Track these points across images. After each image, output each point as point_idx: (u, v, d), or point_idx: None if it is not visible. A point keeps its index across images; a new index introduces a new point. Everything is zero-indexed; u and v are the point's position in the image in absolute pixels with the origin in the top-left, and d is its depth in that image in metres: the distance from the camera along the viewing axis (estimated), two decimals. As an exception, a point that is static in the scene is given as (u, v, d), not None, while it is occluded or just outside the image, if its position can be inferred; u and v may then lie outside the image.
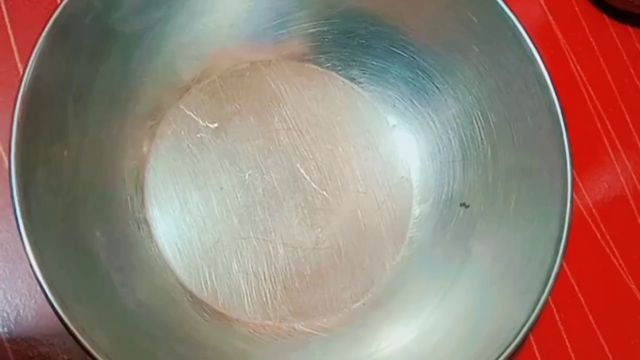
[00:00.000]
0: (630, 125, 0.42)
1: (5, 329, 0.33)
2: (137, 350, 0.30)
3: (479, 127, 0.36)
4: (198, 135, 0.37)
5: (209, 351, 0.33)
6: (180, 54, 0.36)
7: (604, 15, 0.44)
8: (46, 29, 0.30)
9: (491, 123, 0.36)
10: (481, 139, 0.36)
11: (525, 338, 0.33)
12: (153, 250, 0.35)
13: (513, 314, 0.33)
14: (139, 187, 0.35)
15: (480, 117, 0.36)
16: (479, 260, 0.35)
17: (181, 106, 0.37)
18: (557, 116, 0.34)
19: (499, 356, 0.31)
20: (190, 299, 0.35)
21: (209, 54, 0.37)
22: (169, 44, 0.35)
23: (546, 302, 0.32)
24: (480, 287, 0.35)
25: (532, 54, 0.34)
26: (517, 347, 0.31)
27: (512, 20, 0.34)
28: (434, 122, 0.38)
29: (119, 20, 0.33)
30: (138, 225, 0.35)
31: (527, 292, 0.33)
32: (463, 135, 0.37)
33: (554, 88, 0.34)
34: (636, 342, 0.39)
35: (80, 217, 0.32)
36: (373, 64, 0.38)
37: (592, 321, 0.39)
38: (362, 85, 0.39)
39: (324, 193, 0.38)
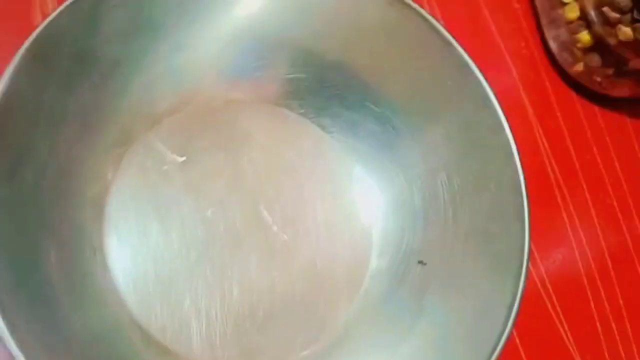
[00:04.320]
0: (589, 203, 0.43)
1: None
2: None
3: (443, 188, 0.37)
4: (164, 168, 0.37)
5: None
6: (156, 85, 0.36)
7: (573, 93, 0.45)
8: (24, 47, 0.30)
9: (455, 186, 0.36)
10: (444, 200, 0.37)
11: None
12: (106, 279, 0.34)
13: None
14: (99, 214, 0.35)
15: (445, 179, 0.37)
16: (432, 319, 0.36)
17: (151, 137, 0.37)
18: (520, 188, 0.34)
19: None
20: (139, 332, 0.34)
21: (185, 88, 0.37)
22: (146, 74, 0.35)
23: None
24: (430, 346, 0.35)
25: (501, 124, 0.35)
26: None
27: (485, 89, 0.35)
28: (399, 178, 0.38)
29: (98, 45, 0.33)
30: (94, 252, 0.34)
31: (476, 356, 0.33)
32: (427, 194, 0.37)
33: (520, 161, 0.34)
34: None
35: (37, 235, 0.32)
36: (345, 115, 0.39)
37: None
38: (333, 134, 0.39)
39: (285, 237, 0.38)
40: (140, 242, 0.35)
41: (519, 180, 0.34)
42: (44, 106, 0.31)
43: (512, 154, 0.34)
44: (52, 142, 0.32)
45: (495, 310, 0.34)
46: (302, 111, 0.39)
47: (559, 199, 0.43)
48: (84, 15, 0.32)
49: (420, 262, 0.37)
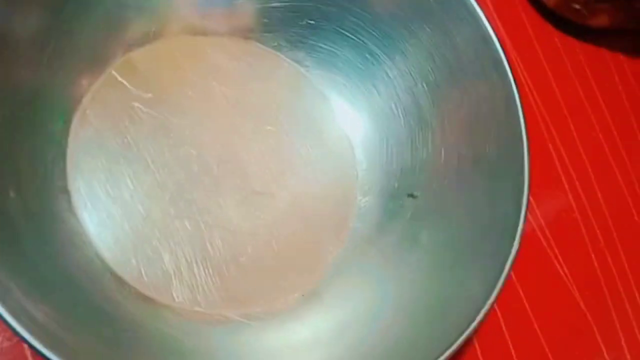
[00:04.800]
0: (575, 135, 0.42)
1: None
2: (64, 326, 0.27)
3: (430, 116, 0.35)
4: (131, 104, 0.34)
5: (138, 334, 0.29)
6: (123, 13, 0.33)
7: (551, 27, 0.43)
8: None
9: (442, 107, 0.34)
10: (431, 125, 0.35)
11: (469, 340, 0.31)
12: (72, 222, 0.31)
13: (459, 313, 0.31)
14: (61, 152, 0.32)
15: (432, 105, 0.35)
16: (427, 252, 0.33)
17: (114, 72, 0.34)
18: (515, 104, 0.32)
19: (441, 354, 0.29)
20: (113, 278, 0.31)
21: (155, 16, 0.34)
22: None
23: (493, 304, 0.30)
24: (426, 283, 0.33)
25: (488, 36, 0.33)
26: (460, 347, 0.29)
27: (467, 3, 0.33)
28: (382, 110, 0.36)
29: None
30: (59, 193, 0.31)
31: (474, 292, 0.31)
32: (413, 124, 0.35)
33: (513, 76, 0.32)
34: (579, 350, 0.38)
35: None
36: (321, 47, 0.36)
37: (536, 327, 0.37)
38: (309, 68, 0.37)
39: (265, 177, 0.35)
40: (107, 184, 0.32)
41: (513, 95, 0.32)
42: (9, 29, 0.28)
43: (504, 67, 0.32)
44: (8, 67, 0.29)
45: (495, 241, 0.31)
46: (274, 44, 0.36)
47: (545, 134, 0.41)
48: None
49: (410, 195, 0.35)
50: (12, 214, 0.29)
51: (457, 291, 0.32)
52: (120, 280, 0.31)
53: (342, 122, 0.37)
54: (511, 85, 0.32)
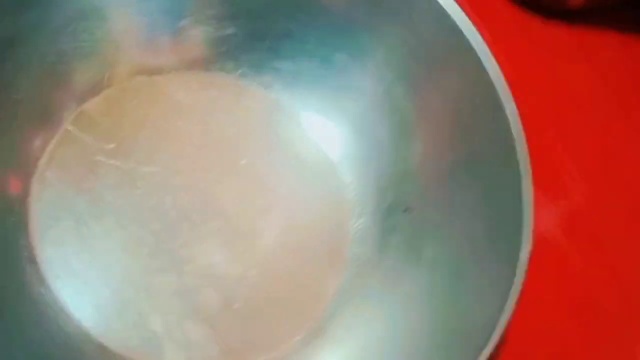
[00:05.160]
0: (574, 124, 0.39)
1: None
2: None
3: (412, 120, 0.32)
4: (94, 159, 0.31)
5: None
6: (66, 57, 0.31)
7: (526, 12, 0.41)
8: None
9: (427, 112, 0.32)
10: (416, 132, 0.32)
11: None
12: (45, 294, 0.28)
13: (476, 327, 0.28)
14: (21, 221, 0.29)
15: (413, 108, 0.32)
16: (434, 269, 0.31)
17: (70, 127, 0.31)
18: (498, 97, 0.30)
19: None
20: (97, 348, 0.28)
21: (104, 60, 0.32)
22: (50, 52, 0.30)
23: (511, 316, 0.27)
24: (437, 299, 0.30)
25: (457, 26, 0.30)
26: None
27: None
28: (361, 120, 0.33)
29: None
30: (23, 267, 0.29)
31: (488, 304, 0.28)
32: (396, 131, 0.33)
33: (490, 61, 0.30)
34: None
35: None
36: (287, 67, 0.34)
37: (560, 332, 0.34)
38: (277, 91, 0.34)
39: (247, 215, 0.32)
40: (79, 247, 0.30)
41: (495, 89, 0.30)
42: None
43: (479, 60, 0.30)
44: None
45: (505, 244, 0.29)
46: (238, 72, 0.34)
47: (542, 125, 0.39)
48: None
49: (406, 210, 0.32)
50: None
51: (471, 303, 0.29)
52: (105, 350, 0.28)
53: (320, 141, 0.34)
54: (491, 79, 0.30)
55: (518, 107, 0.30)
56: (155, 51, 0.33)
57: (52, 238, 0.29)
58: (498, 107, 0.30)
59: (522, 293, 0.27)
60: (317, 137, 0.34)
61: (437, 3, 0.30)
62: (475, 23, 0.37)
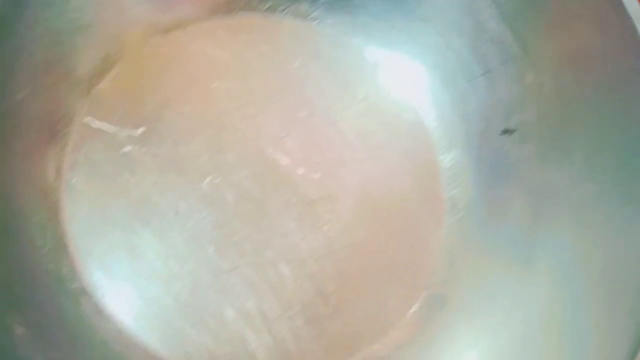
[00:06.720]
0: None
1: None
2: None
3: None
4: (122, 151, 0.26)
5: None
6: (63, 44, 0.25)
7: None
8: None
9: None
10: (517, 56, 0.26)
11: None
12: (106, 326, 0.24)
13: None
14: (61, 246, 0.24)
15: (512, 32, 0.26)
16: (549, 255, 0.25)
17: (86, 119, 0.26)
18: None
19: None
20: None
21: (104, 32, 0.26)
22: (44, 33, 0.24)
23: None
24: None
25: None
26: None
27: None
28: (430, 37, 0.27)
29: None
30: (76, 302, 0.24)
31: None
32: (476, 39, 0.27)
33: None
34: None
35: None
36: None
37: None
38: (318, 20, 0.28)
39: (316, 176, 0.27)
40: (132, 262, 0.25)
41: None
42: None
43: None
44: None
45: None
46: (268, 6, 0.28)
47: None
48: None
49: (506, 131, 0.26)
50: (29, 354, 0.21)
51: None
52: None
53: (385, 74, 0.28)
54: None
55: None
56: (167, 2, 0.26)
57: (97, 260, 0.24)
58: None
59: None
60: (382, 71, 0.28)
61: None
62: None
